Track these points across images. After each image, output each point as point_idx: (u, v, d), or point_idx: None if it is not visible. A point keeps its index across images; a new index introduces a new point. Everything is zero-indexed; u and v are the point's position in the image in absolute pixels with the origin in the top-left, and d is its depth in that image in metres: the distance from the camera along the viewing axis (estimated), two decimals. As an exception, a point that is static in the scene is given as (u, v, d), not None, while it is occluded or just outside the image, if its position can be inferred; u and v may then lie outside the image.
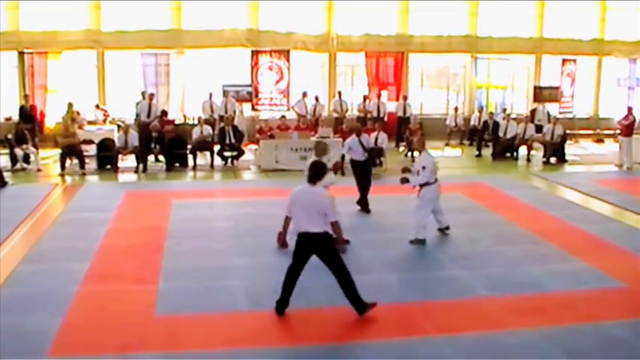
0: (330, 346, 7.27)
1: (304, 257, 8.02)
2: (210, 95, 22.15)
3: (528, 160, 20.32)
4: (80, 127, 20.02)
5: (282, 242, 8.55)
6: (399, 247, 10.93)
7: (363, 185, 13.49)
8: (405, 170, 11.38)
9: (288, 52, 23.82)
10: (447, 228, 11.60)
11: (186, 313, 8.05)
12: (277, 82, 23.89)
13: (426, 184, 11.12)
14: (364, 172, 13.54)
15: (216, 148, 18.76)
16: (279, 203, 12.99)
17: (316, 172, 8.11)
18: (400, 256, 10.48)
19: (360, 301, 7.95)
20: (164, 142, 18.18)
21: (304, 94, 23.12)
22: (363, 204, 13.42)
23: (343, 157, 14.45)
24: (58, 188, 15.69)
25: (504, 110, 23.83)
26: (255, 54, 23.66)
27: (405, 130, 21.43)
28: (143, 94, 20.43)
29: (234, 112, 21.92)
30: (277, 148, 18.04)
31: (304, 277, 9.32)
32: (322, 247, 7.89)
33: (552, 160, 20.09)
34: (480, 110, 24.23)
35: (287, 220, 8.12)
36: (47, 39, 22.35)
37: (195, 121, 20.69)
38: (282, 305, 8.04)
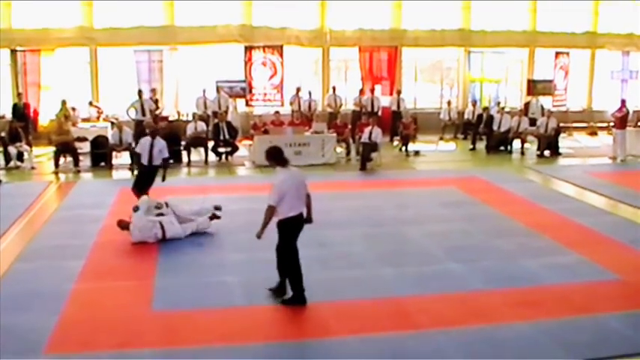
0: (326, 340, 7.27)
1: (295, 238, 8.24)
2: (204, 91, 22.09)
3: (522, 153, 20.36)
4: (74, 125, 19.99)
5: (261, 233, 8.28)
6: (394, 242, 10.94)
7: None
8: None
9: (281, 47, 23.79)
10: None
11: (183, 309, 8.05)
12: (271, 77, 23.87)
13: None
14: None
15: (211, 144, 18.75)
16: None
17: (280, 154, 8.27)
18: (395, 251, 10.48)
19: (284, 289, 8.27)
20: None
21: (298, 89, 23.10)
22: None
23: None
24: (52, 186, 15.67)
25: (498, 104, 23.89)
26: (248, 50, 23.62)
27: (399, 125, 21.45)
28: (139, 92, 20.35)
29: (228, 108, 21.90)
30: (272, 144, 17.81)
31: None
32: (303, 225, 8.22)
33: (546, 153, 20.12)
34: (474, 104, 24.27)
35: (273, 210, 8.04)
36: (40, 36, 22.27)
37: (189, 118, 20.68)
38: (301, 295, 8.14)
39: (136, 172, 13.61)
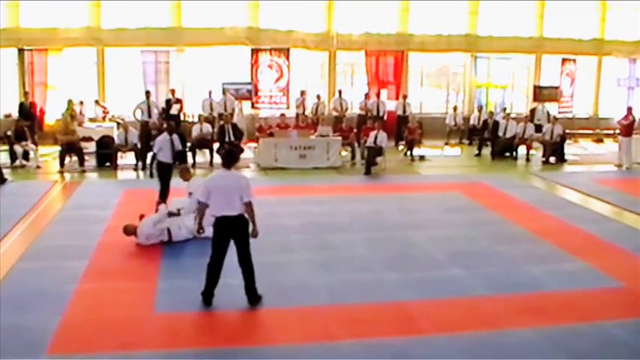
0: (329, 344, 7.26)
1: (224, 242, 8.21)
2: (210, 93, 22.13)
3: (528, 159, 20.31)
4: (80, 124, 20.05)
5: (199, 228, 8.54)
6: (398, 246, 10.92)
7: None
8: None
9: (288, 50, 23.81)
10: None
11: (185, 311, 8.05)
12: (277, 80, 23.88)
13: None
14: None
15: (216, 145, 18.76)
16: (279, 201, 13.12)
17: (232, 157, 8.35)
18: (399, 255, 10.46)
19: (255, 293, 8.25)
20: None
21: (303, 93, 23.11)
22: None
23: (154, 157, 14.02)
24: (57, 185, 15.70)
25: (504, 109, 23.82)
26: (255, 52, 23.65)
27: (405, 129, 21.44)
28: (147, 93, 20.39)
29: (234, 110, 21.92)
30: (277, 147, 18.04)
31: (303, 275, 9.35)
32: (239, 229, 8.12)
33: (552, 159, 20.09)
34: (480, 109, 24.23)
35: (203, 205, 8.27)
36: (47, 36, 22.34)
37: (195, 119, 20.70)
38: (207, 296, 8.23)
39: (151, 173, 13.69)
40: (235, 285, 8.93)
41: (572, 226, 12.42)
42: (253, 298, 8.23)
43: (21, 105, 21.14)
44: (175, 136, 13.44)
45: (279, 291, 8.73)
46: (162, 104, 21.18)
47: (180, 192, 12.22)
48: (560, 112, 25.25)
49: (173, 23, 23.31)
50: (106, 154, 18.03)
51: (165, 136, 13.21)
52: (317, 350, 7.12)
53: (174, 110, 20.86)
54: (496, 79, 26.09)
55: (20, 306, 8.04)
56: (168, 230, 10.72)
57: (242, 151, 18.83)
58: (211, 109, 21.87)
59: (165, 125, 19.37)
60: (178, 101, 21.29)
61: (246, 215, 8.12)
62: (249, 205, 8.08)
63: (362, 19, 24.61)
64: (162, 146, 13.06)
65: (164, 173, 13.23)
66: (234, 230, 8.12)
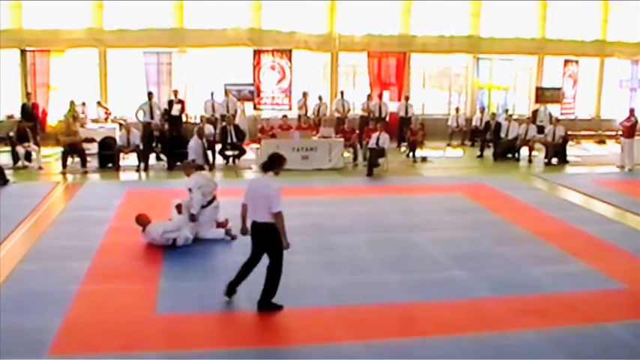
0: (330, 346, 7.25)
1: (254, 245, 8.21)
2: (212, 94, 22.14)
3: (530, 161, 20.30)
4: (82, 125, 20.07)
5: (242, 229, 8.53)
6: (400, 248, 10.92)
7: None
8: None
9: (290, 51, 23.85)
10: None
11: (187, 312, 8.05)
12: (279, 81, 23.92)
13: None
14: None
15: (218, 147, 18.77)
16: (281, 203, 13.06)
17: (270, 162, 8.27)
18: (401, 257, 10.45)
19: (265, 301, 8.10)
20: (165, 141, 18.25)
21: (305, 94, 23.12)
22: None
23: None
24: (59, 186, 15.70)
25: (506, 111, 23.85)
26: (257, 53, 23.68)
27: (407, 131, 21.43)
28: (149, 94, 20.41)
29: (236, 111, 21.92)
30: (279, 148, 17.91)
31: (305, 277, 9.35)
32: (262, 236, 8.06)
33: (554, 161, 20.07)
34: (482, 111, 24.22)
35: (243, 207, 8.27)
36: (49, 37, 22.37)
37: (197, 120, 20.70)
38: (229, 288, 8.30)
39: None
40: (237, 287, 8.94)
41: (574, 227, 12.40)
42: (262, 304, 8.09)
43: (23, 106, 21.15)
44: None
45: (280, 292, 8.71)
46: (164, 105, 21.12)
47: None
48: (562, 114, 25.28)
49: (175, 24, 23.32)
50: (109, 155, 18.04)
51: (197, 140, 13.08)
52: (319, 351, 7.11)
53: (175, 111, 20.85)
54: (498, 81, 26.09)
55: (22, 307, 8.04)
56: (174, 240, 10.69)
57: (244, 152, 18.87)
58: (213, 110, 21.88)
59: (166, 126, 19.55)
60: (180, 102, 21.30)
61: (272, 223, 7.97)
62: (276, 216, 7.87)
63: (364, 20, 24.62)
64: (197, 151, 12.98)
65: None
66: (258, 237, 8.08)
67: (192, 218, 10.85)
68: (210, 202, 11.10)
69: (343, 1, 24.32)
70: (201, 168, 12.27)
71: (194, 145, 12.98)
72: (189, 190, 11.00)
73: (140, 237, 10.77)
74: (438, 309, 8.27)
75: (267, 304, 8.06)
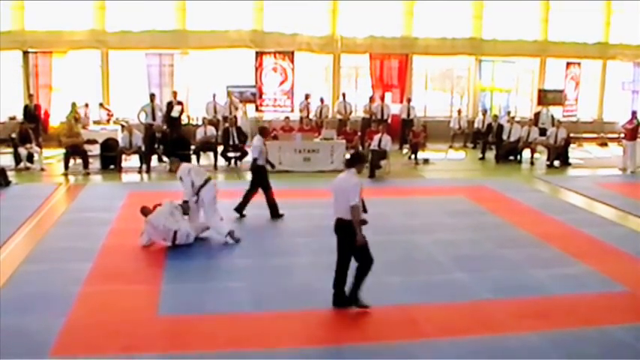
0: (332, 347, 7.26)
1: (338, 244, 8.21)
2: (214, 96, 22.16)
3: (532, 163, 20.29)
4: (84, 127, 20.10)
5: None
6: (401, 250, 10.91)
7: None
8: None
9: (292, 53, 23.86)
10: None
11: (189, 313, 8.06)
12: (281, 83, 23.94)
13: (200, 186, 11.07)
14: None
15: (220, 148, 18.77)
16: (283, 204, 13.09)
17: (353, 160, 8.38)
18: (402, 259, 10.45)
19: (344, 296, 8.16)
20: (167, 143, 18.26)
21: (307, 96, 23.11)
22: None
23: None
24: (61, 188, 15.72)
25: (508, 113, 23.83)
26: (259, 55, 23.70)
27: (409, 133, 21.43)
28: (151, 96, 20.42)
29: (237, 110, 21.90)
30: (281, 150, 18.02)
31: (309, 278, 9.36)
32: (338, 232, 8.12)
33: (556, 163, 20.05)
34: (484, 113, 24.16)
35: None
36: (52, 39, 22.40)
37: (199, 122, 20.71)
38: (335, 297, 8.23)
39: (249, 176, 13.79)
40: (237, 288, 8.97)
41: (576, 230, 12.40)
42: (350, 299, 8.16)
43: (25, 107, 21.20)
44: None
45: (283, 294, 8.74)
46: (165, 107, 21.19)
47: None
48: (564, 116, 25.27)
49: (178, 26, 23.34)
50: (111, 156, 18.06)
51: (260, 139, 13.17)
52: (321, 353, 7.12)
53: (175, 112, 20.88)
54: (500, 83, 26.06)
55: (24, 308, 8.05)
56: (175, 234, 10.70)
57: (246, 154, 18.86)
58: (215, 112, 21.89)
59: (166, 127, 19.54)
60: (180, 103, 21.32)
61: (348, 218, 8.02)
62: (353, 208, 7.90)
63: (366, 22, 24.62)
64: (262, 150, 13.06)
65: (262, 176, 13.13)
66: (342, 234, 8.12)
67: (185, 207, 10.96)
68: (206, 182, 11.15)
69: (345, 2, 24.32)
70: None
71: (258, 143, 13.03)
72: (180, 179, 11.10)
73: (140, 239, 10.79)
74: (439, 311, 8.27)
75: (354, 300, 8.13)
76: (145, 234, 10.75)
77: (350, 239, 8.00)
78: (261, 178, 13.05)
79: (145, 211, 10.88)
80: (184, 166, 11.39)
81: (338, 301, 8.19)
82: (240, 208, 12.83)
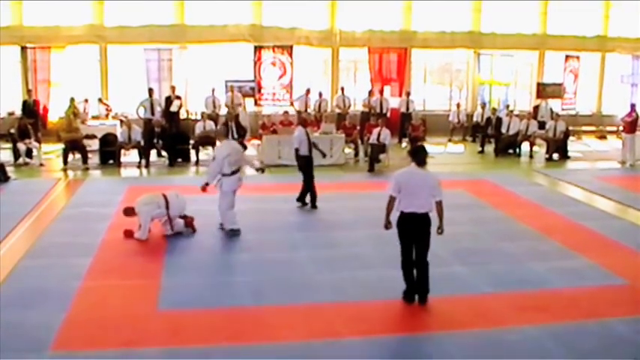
0: (332, 341, 7.26)
1: (409, 238, 8.26)
2: (213, 91, 22.12)
3: (531, 156, 20.26)
4: (83, 122, 20.08)
5: (387, 222, 8.53)
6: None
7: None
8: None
9: (291, 47, 23.84)
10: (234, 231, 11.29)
11: (189, 308, 8.06)
12: (280, 77, 23.91)
13: (224, 175, 11.11)
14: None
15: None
16: (282, 199, 13.10)
17: (423, 156, 8.37)
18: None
19: (427, 290, 8.28)
20: (166, 137, 18.26)
21: (307, 91, 23.08)
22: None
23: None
24: (60, 183, 15.72)
25: (507, 106, 23.84)
26: (258, 49, 23.67)
27: (408, 127, 21.40)
28: (150, 91, 20.41)
29: (239, 108, 21.89)
30: (280, 144, 18.01)
31: (307, 273, 9.36)
32: (422, 227, 8.18)
33: (555, 156, 20.04)
34: (483, 106, 24.18)
35: (392, 200, 8.31)
36: (50, 34, 22.38)
37: (198, 117, 20.70)
38: (406, 295, 8.31)
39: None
40: (239, 282, 8.98)
41: (575, 223, 12.40)
42: (424, 295, 8.25)
43: (24, 103, 21.19)
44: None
45: (283, 288, 8.74)
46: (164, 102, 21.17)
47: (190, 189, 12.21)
48: (563, 109, 25.28)
49: (176, 21, 23.31)
50: (110, 151, 18.06)
51: (301, 129, 13.33)
52: (321, 347, 7.12)
53: (174, 107, 20.87)
54: (499, 76, 26.08)
55: (24, 303, 8.06)
56: (169, 218, 10.76)
57: (245, 148, 18.85)
58: (214, 106, 21.87)
59: (164, 122, 19.53)
60: (178, 98, 21.29)
61: (430, 214, 8.16)
62: (440, 204, 8.20)
63: (365, 16, 24.59)
64: (302, 140, 13.19)
65: (308, 166, 13.33)
66: (418, 228, 8.17)
67: (205, 186, 11.16)
68: (234, 172, 11.20)
69: (344, -4, 24.35)
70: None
71: (299, 134, 13.17)
72: (213, 158, 11.34)
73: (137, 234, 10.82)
74: (439, 304, 8.27)
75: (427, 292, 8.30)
76: (142, 229, 10.77)
77: (429, 232, 8.22)
78: (306, 167, 13.30)
79: (128, 212, 10.96)
80: (226, 143, 11.55)
81: (411, 292, 8.30)
82: (301, 198, 13.33)
